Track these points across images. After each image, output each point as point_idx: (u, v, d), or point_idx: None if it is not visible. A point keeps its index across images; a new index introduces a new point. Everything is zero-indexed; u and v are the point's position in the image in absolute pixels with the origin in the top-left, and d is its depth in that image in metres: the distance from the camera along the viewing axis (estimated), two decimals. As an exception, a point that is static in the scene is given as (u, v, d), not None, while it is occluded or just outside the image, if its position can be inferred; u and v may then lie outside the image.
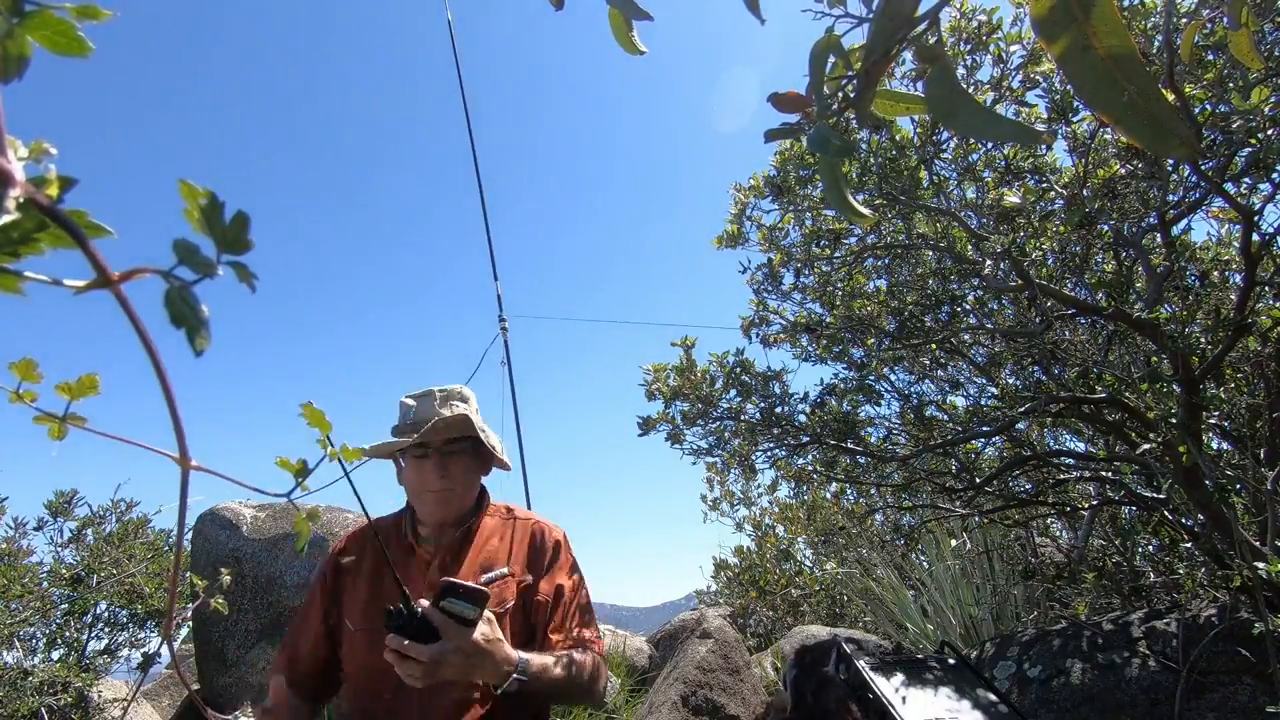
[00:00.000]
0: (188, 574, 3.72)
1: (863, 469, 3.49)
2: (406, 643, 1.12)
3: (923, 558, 3.69)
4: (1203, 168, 1.87)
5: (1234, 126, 1.76)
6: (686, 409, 2.94)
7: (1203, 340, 2.17)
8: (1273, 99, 1.72)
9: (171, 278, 0.31)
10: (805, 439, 2.88)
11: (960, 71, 2.30)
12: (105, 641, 3.92)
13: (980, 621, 3.04)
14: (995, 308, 2.97)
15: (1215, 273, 2.48)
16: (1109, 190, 2.16)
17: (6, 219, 0.27)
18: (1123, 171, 2.16)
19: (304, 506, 0.53)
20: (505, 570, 1.44)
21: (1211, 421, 2.35)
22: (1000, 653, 2.20)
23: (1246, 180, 2.04)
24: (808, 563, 5.95)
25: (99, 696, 3.37)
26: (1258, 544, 1.91)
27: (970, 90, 2.11)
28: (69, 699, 3.22)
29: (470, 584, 1.19)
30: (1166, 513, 2.29)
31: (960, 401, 3.38)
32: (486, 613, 1.20)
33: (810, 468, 3.55)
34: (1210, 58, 1.88)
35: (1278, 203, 2.06)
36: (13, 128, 0.28)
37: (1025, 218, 2.33)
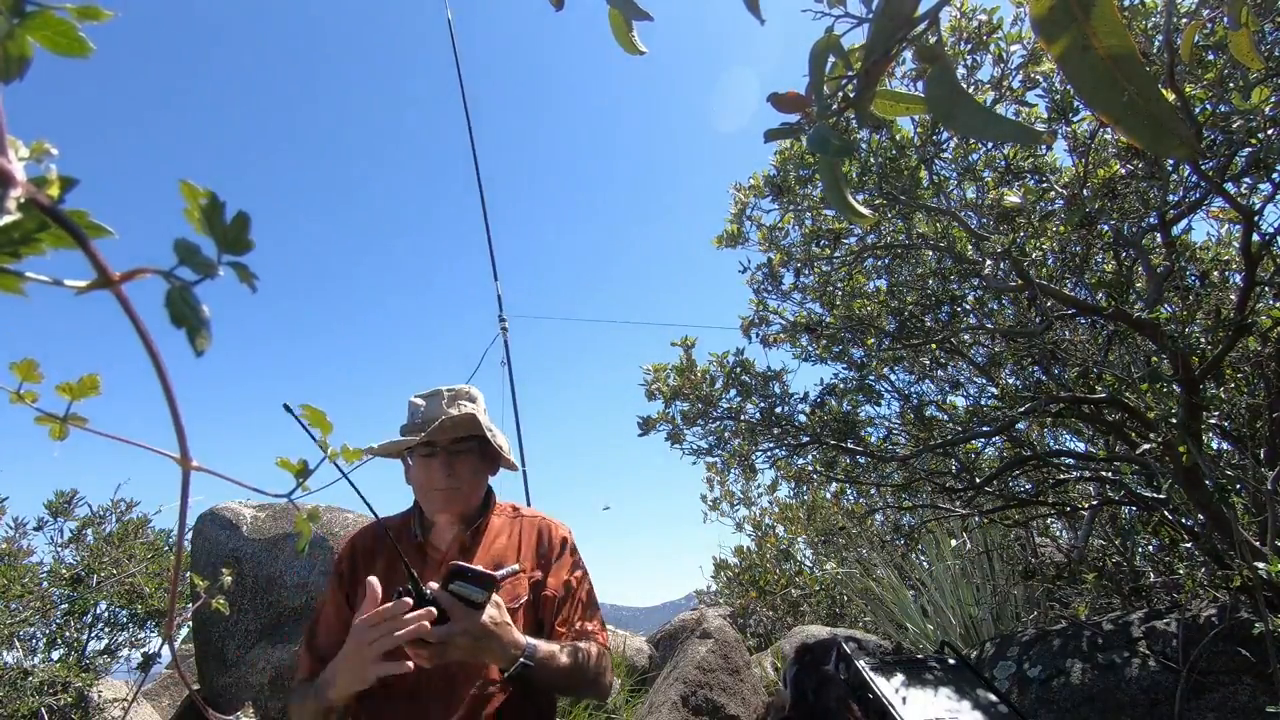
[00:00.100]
0: (188, 574, 3.72)
1: (863, 469, 3.49)
2: (412, 619, 1.13)
3: (923, 558, 3.69)
4: (1203, 168, 1.87)
5: (1234, 126, 1.76)
6: (686, 409, 2.94)
7: (1203, 340, 2.17)
8: (1273, 99, 1.72)
9: (172, 278, 0.31)
10: (805, 439, 2.88)
11: (960, 71, 2.30)
12: (105, 641, 3.92)
13: (980, 621, 3.04)
14: (995, 308, 2.97)
15: (1215, 273, 2.48)
16: (1109, 190, 2.16)
17: (7, 219, 0.27)
18: (1123, 171, 2.16)
19: (304, 507, 0.53)
20: (517, 567, 1.45)
21: (1211, 421, 2.35)
22: (1000, 653, 2.20)
23: (1246, 180, 2.04)
24: (808, 563, 5.95)
25: (99, 696, 3.37)
26: (1258, 544, 1.91)
27: (970, 90, 2.11)
28: (69, 699, 3.22)
29: (478, 567, 1.20)
30: (1166, 513, 2.29)
31: (960, 401, 3.38)
32: (494, 596, 1.21)
33: (810, 468, 3.55)
34: (1210, 58, 1.88)
35: (1278, 203, 2.06)
36: (14, 128, 0.28)
37: (1025, 218, 2.33)
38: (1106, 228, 2.36)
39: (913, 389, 3.55)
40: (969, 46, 2.30)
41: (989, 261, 2.32)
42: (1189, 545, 2.30)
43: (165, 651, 3.87)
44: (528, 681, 1.27)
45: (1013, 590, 3.07)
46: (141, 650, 3.93)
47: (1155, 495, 2.30)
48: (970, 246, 2.59)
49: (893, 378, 3.52)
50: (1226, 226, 2.53)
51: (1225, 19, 1.62)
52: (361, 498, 1.34)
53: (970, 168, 2.54)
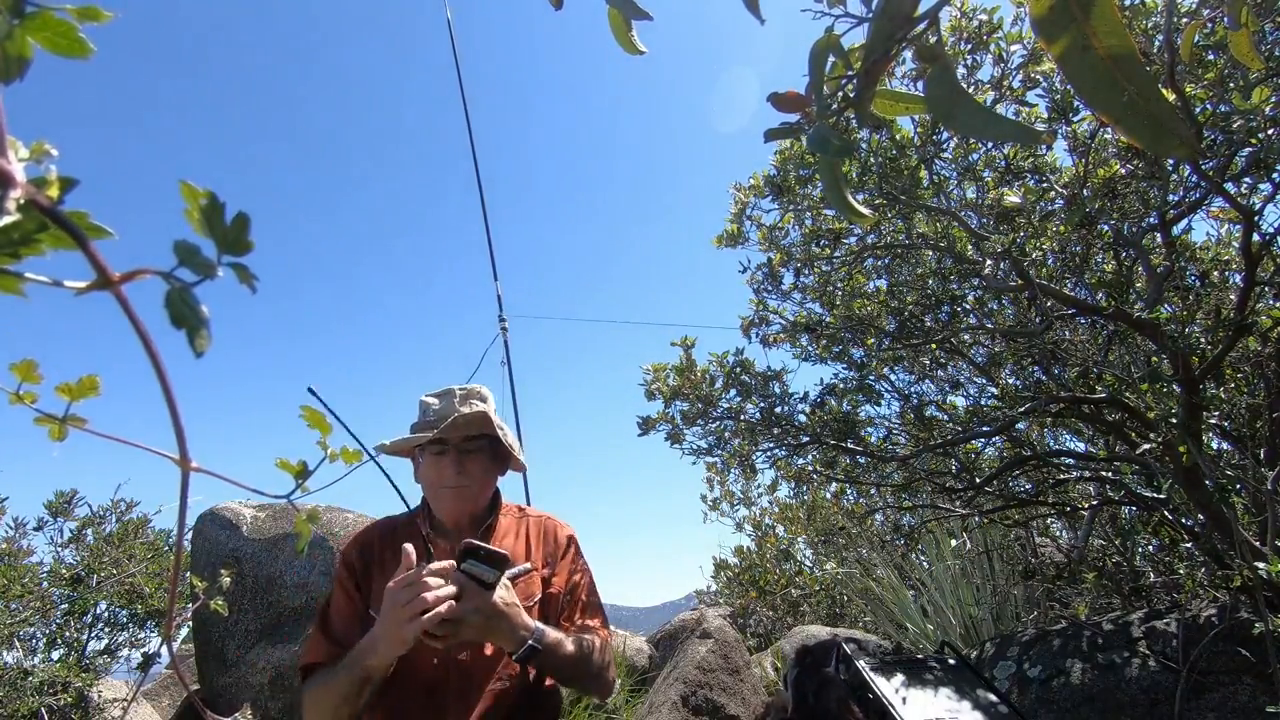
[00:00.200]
0: (187, 574, 3.72)
1: (863, 469, 3.49)
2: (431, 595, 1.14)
3: (923, 558, 3.69)
4: (1203, 168, 1.87)
5: (1234, 126, 1.76)
6: (686, 409, 2.94)
7: (1203, 340, 2.17)
8: (1273, 99, 1.72)
9: (172, 279, 0.31)
10: (805, 439, 2.88)
11: (960, 71, 2.30)
12: (105, 641, 3.92)
13: (980, 621, 3.04)
14: (995, 308, 2.97)
15: (1215, 273, 2.48)
16: (1109, 190, 2.16)
17: (7, 220, 0.27)
18: (1123, 171, 2.16)
19: (304, 507, 0.53)
20: (529, 566, 1.46)
21: (1211, 421, 2.34)
22: (1000, 653, 2.20)
23: (1247, 180, 2.04)
24: (808, 563, 5.95)
25: (99, 696, 3.37)
26: (1258, 544, 1.91)
27: (970, 90, 2.11)
28: (69, 699, 3.22)
29: (491, 547, 1.21)
30: (1166, 513, 2.29)
31: (960, 401, 3.38)
32: (504, 579, 1.22)
33: (810, 468, 3.55)
34: (1210, 57, 1.88)
35: (1278, 203, 2.06)
36: (13, 128, 0.28)
37: (1025, 218, 2.33)
38: (1106, 228, 2.36)
39: (913, 389, 3.55)
40: (969, 46, 2.31)
41: (989, 261, 2.32)
42: (1189, 545, 2.30)
43: (165, 651, 3.87)
44: (535, 669, 1.29)
45: (1013, 590, 3.07)
46: (141, 650, 3.93)
47: (1155, 495, 2.29)
48: (970, 246, 2.59)
49: (893, 378, 3.52)
50: (1226, 226, 2.53)
51: (1225, 19, 1.62)
52: (394, 487, 1.34)
53: (970, 168, 2.54)
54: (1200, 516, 2.12)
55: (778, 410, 2.89)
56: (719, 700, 3.01)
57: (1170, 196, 2.13)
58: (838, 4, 0.56)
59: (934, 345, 2.96)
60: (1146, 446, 2.17)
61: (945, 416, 3.23)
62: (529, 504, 1.69)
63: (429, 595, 1.14)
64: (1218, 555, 2.09)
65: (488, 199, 4.90)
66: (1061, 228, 2.24)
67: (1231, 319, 2.01)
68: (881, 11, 0.46)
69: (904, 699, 1.26)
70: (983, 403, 3.14)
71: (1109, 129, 1.87)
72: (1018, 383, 2.98)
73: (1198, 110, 1.88)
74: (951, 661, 1.41)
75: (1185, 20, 1.86)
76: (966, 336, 3.03)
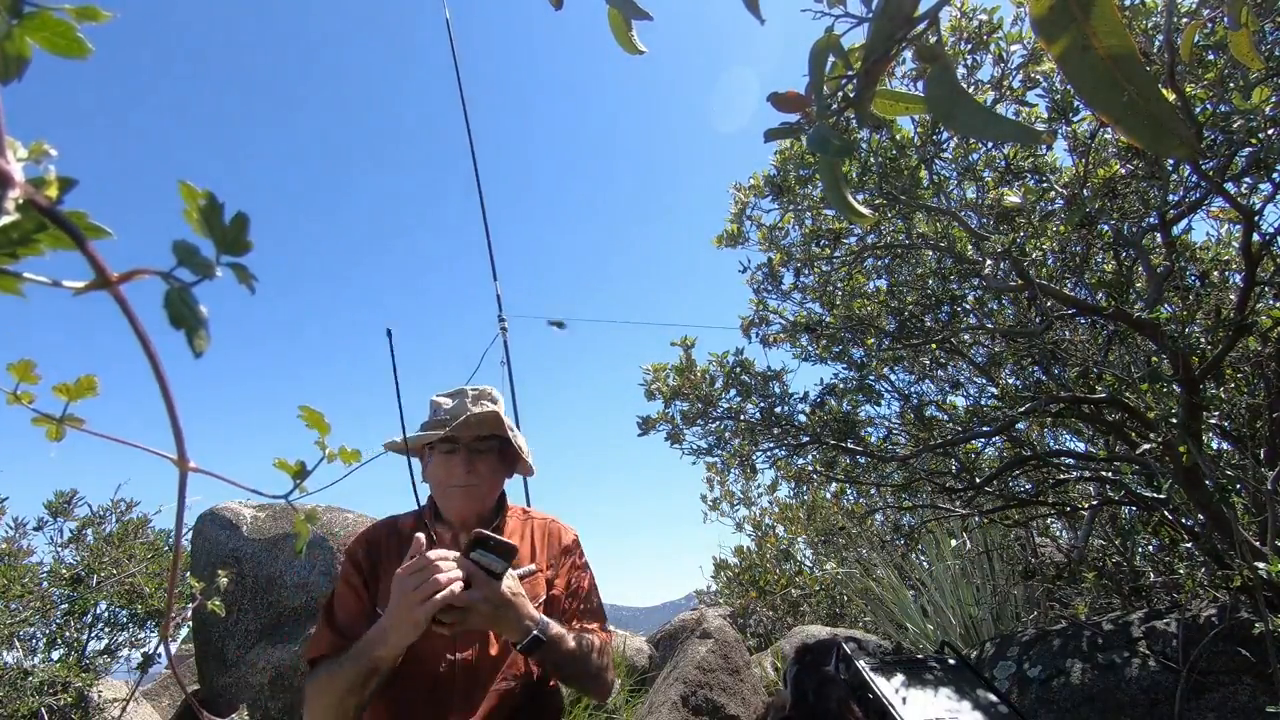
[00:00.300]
0: (187, 574, 3.72)
1: (863, 469, 3.49)
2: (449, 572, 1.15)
3: (923, 558, 3.69)
4: (1203, 168, 1.87)
5: (1234, 126, 1.76)
6: (686, 409, 2.94)
7: (1203, 340, 2.17)
8: (1273, 99, 1.72)
9: (171, 279, 0.31)
10: (805, 439, 2.88)
11: (960, 71, 2.30)
12: (105, 641, 3.92)
13: (980, 621, 3.04)
14: (995, 308, 2.97)
15: (1215, 273, 2.48)
16: (1109, 190, 2.16)
17: (6, 220, 0.27)
18: (1123, 171, 2.16)
19: (303, 507, 0.53)
20: (534, 567, 1.46)
21: (1211, 421, 2.34)
22: (1000, 653, 2.20)
23: (1247, 180, 2.04)
24: (808, 563, 5.95)
25: (99, 696, 3.37)
26: (1258, 544, 1.91)
27: (970, 90, 2.10)
28: (69, 699, 3.22)
29: (500, 537, 1.21)
30: (1166, 513, 2.29)
31: (960, 401, 3.38)
32: (510, 570, 1.22)
33: (810, 468, 3.55)
34: (1210, 57, 1.88)
35: (1278, 203, 2.06)
36: (12, 128, 0.28)
37: (1025, 218, 2.33)
38: (1106, 228, 2.36)
39: (913, 389, 3.55)
40: (969, 46, 2.31)
41: (989, 261, 2.32)
42: (1189, 545, 2.30)
43: (164, 651, 3.86)
44: (538, 662, 1.29)
45: (1013, 590, 3.07)
46: (141, 650, 3.93)
47: (1155, 495, 2.29)
48: (970, 246, 2.59)
49: (893, 378, 3.52)
50: (1226, 226, 2.53)
51: (1225, 19, 1.62)
52: (414, 485, 1.35)
53: (970, 168, 2.54)
54: (1200, 516, 2.12)
55: (778, 410, 2.89)
56: (719, 700, 3.01)
57: (1170, 196, 2.13)
58: (838, 4, 0.56)
59: (934, 345, 2.96)
60: (1146, 446, 2.17)
61: (945, 416, 3.23)
62: (530, 505, 1.69)
63: (440, 577, 1.14)
64: (1218, 555, 2.09)
65: (488, 199, 4.90)
66: (1061, 228, 2.23)
67: (1231, 319, 2.01)
68: (881, 11, 0.46)
69: (904, 699, 1.26)
70: (983, 403, 3.14)
71: (1109, 129, 1.87)
72: (1018, 383, 2.98)
73: (1198, 110, 1.88)
74: (951, 661, 1.41)
75: (1185, 20, 1.86)
76: (966, 336, 3.03)
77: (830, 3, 0.56)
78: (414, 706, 1.33)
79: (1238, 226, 2.20)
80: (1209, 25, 1.82)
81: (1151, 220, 2.21)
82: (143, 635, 4.00)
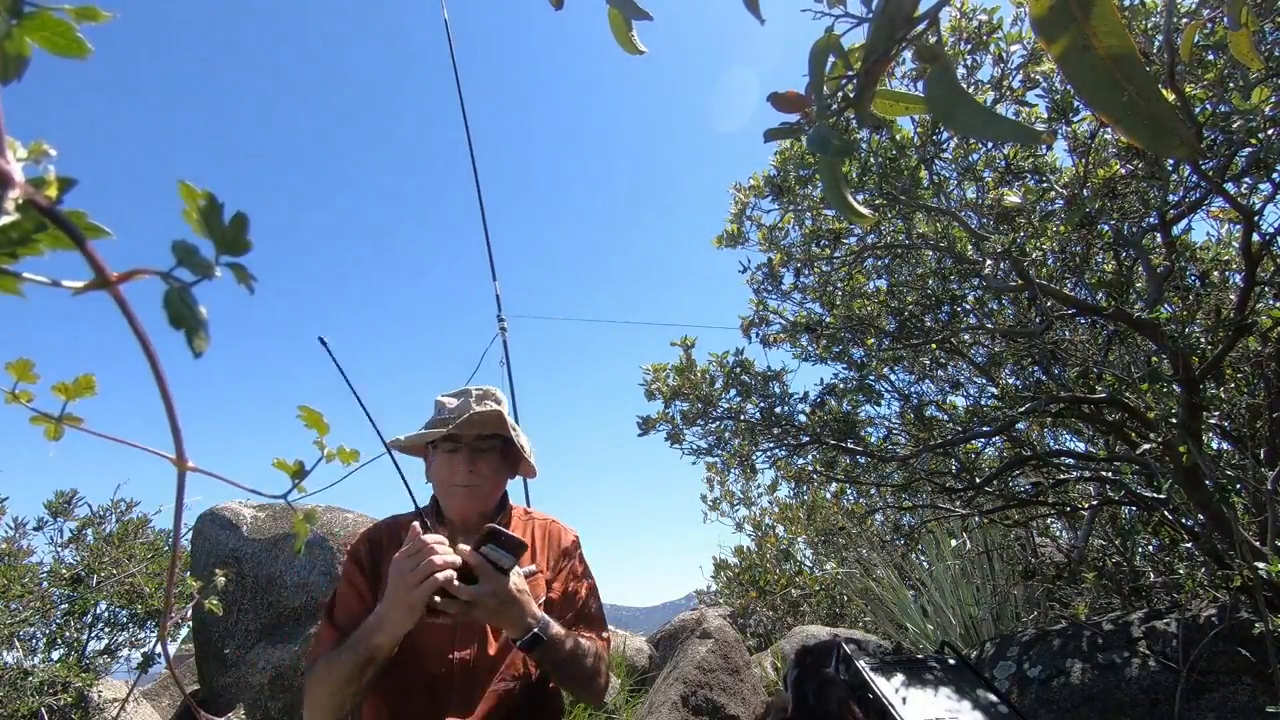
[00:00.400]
0: (186, 574, 3.72)
1: (863, 469, 3.49)
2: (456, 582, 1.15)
3: (923, 558, 3.69)
4: (1203, 168, 1.86)
5: (1234, 126, 1.76)
6: (686, 409, 2.94)
7: (1203, 340, 2.17)
8: (1273, 99, 1.72)
9: (170, 279, 0.31)
10: (805, 439, 2.88)
11: (960, 71, 2.30)
12: (105, 641, 3.92)
13: (980, 621, 3.04)
14: (995, 308, 2.97)
15: (1215, 273, 2.48)
16: (1109, 190, 2.16)
17: (6, 220, 0.27)
18: (1123, 171, 2.15)
19: (302, 507, 0.53)
20: (534, 567, 1.46)
21: (1211, 421, 2.34)
22: (1000, 653, 2.20)
23: (1247, 180, 2.04)
24: (808, 563, 5.95)
25: (99, 696, 3.37)
26: (1258, 544, 1.90)
27: (970, 90, 2.11)
28: (69, 699, 3.22)
29: (511, 533, 1.22)
30: (1166, 513, 2.29)
31: (960, 401, 3.38)
32: (516, 567, 1.23)
33: (810, 468, 3.55)
34: (1210, 58, 1.88)
35: (1278, 203, 2.06)
36: (12, 128, 0.28)
37: (1025, 218, 2.33)
38: (1106, 228, 2.35)
39: (913, 389, 3.55)
40: (969, 46, 2.30)
41: (989, 261, 2.32)
42: (1189, 545, 2.30)
43: (163, 651, 3.86)
44: (537, 661, 1.30)
45: (1013, 590, 3.07)
46: (141, 650, 3.93)
47: (1155, 495, 2.29)
48: (970, 246, 2.59)
49: (893, 378, 3.52)
50: (1226, 226, 2.53)
51: (1225, 19, 1.62)
52: (405, 484, 1.35)
53: (970, 168, 2.54)
54: (1200, 516, 2.12)
55: (778, 410, 2.89)
56: (719, 700, 3.01)
57: (1170, 196, 2.13)
58: (838, 4, 0.56)
59: (934, 345, 2.96)
60: (1146, 446, 2.17)
61: (945, 416, 3.23)
62: (529, 504, 1.69)
63: (435, 559, 1.14)
64: (1218, 555, 2.09)
65: (487, 198, 4.90)
66: (1061, 228, 2.23)
67: (1231, 319, 2.01)
68: (881, 11, 0.46)
69: (904, 699, 1.26)
70: (983, 403, 3.14)
71: (1109, 129, 1.87)
72: (1018, 383, 2.98)
73: (1198, 110, 1.88)
74: (951, 661, 1.41)
75: (1185, 20, 1.86)
76: (966, 336, 3.03)
77: (830, 3, 0.56)
78: (412, 706, 1.33)
79: (1238, 226, 2.20)
80: (1209, 25, 1.82)
81: (1151, 220, 2.21)
82: (143, 635, 4.01)
